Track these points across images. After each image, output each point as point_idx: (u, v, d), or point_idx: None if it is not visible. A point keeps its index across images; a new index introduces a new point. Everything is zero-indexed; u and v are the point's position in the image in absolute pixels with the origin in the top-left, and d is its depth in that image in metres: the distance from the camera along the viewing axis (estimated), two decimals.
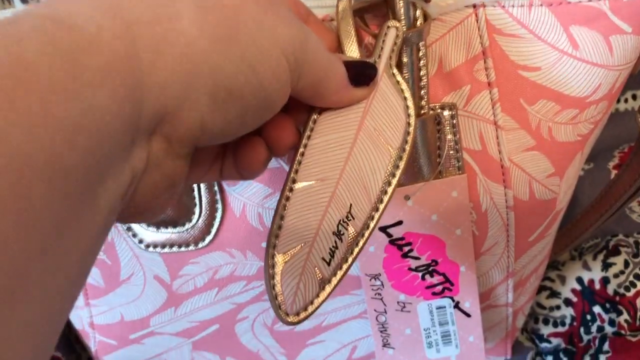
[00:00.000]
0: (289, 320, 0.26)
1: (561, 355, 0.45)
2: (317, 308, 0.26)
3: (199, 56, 0.19)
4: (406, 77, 0.30)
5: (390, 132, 0.27)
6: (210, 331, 0.37)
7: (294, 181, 0.27)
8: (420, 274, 0.34)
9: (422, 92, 0.31)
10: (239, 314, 0.36)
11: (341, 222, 0.27)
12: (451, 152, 0.32)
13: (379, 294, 0.35)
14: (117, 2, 0.18)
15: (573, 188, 0.36)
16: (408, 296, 0.35)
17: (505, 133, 0.32)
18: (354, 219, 0.27)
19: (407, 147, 0.27)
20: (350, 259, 0.27)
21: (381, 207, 0.27)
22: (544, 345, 0.46)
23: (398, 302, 0.35)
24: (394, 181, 0.27)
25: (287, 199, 0.27)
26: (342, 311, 0.36)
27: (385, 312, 0.35)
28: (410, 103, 0.28)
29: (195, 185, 0.32)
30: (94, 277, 0.34)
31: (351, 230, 0.27)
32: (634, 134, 0.51)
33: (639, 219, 0.48)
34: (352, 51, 0.28)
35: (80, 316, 0.37)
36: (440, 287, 0.35)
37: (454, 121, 0.32)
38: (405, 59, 0.30)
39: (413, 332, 0.36)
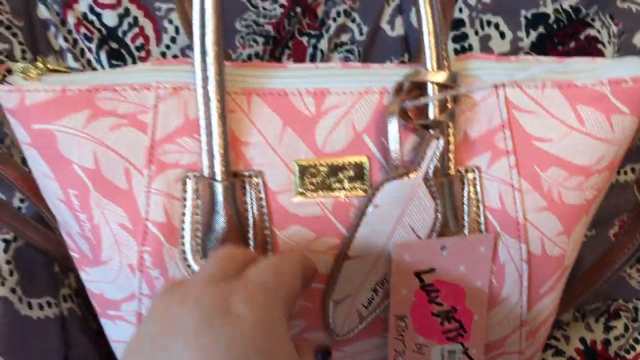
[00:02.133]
0: (337, 338, 0.38)
1: None
2: (355, 333, 0.38)
3: None
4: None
5: (419, 227, 0.36)
6: None
7: (346, 255, 0.36)
8: (439, 319, 0.38)
9: (451, 155, 0.36)
10: None
11: (377, 283, 0.37)
12: (474, 209, 0.37)
13: (402, 335, 0.38)
14: None
15: (579, 247, 0.41)
16: (426, 339, 0.38)
17: (521, 194, 0.37)
18: (387, 282, 0.37)
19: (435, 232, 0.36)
20: (382, 306, 0.38)
21: None
22: None
23: (416, 344, 0.39)
24: None
25: (340, 267, 0.36)
26: (372, 352, 0.40)
27: (404, 352, 0.39)
28: (439, 205, 0.36)
29: (250, 226, 0.36)
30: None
31: (384, 289, 0.37)
32: (633, 204, 0.55)
33: (637, 285, 0.52)
34: None
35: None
36: (454, 333, 0.39)
37: (477, 182, 0.37)
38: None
39: None
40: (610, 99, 0.36)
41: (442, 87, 0.35)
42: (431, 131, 0.35)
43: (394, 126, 0.35)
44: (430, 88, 0.35)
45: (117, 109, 0.35)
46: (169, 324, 0.25)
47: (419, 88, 0.36)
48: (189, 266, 0.36)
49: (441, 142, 0.34)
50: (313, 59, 0.59)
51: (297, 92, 0.36)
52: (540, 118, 0.36)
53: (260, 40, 0.58)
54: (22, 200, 0.46)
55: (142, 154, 0.35)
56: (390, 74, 0.37)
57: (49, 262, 0.46)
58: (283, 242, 0.37)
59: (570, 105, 0.36)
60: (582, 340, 0.49)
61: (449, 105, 0.35)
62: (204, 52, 0.34)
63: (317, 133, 0.36)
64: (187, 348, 0.24)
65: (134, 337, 0.26)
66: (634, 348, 0.48)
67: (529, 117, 0.36)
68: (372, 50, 0.60)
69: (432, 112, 0.35)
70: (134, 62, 0.55)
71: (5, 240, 0.44)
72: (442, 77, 0.35)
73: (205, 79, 0.34)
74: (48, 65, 0.35)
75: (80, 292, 0.46)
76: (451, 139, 0.36)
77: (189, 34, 0.36)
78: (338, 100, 0.36)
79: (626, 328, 0.49)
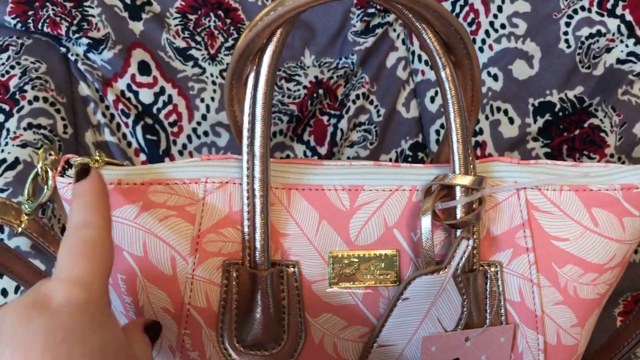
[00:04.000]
0: None
1: None
2: None
3: None
4: None
5: (446, 320, 0.38)
6: None
7: (375, 341, 0.39)
8: None
9: (475, 251, 0.39)
10: None
11: None
12: (496, 301, 0.39)
13: None
14: None
15: (590, 334, 0.43)
16: None
17: (540, 289, 0.39)
18: None
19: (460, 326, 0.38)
20: None
21: None
22: None
23: None
24: None
25: (369, 351, 0.39)
26: None
27: None
28: (466, 300, 0.38)
29: (285, 314, 0.38)
30: None
31: None
32: (636, 284, 0.58)
33: None
34: None
35: None
36: None
37: (499, 276, 0.39)
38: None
39: None
40: (623, 203, 0.39)
41: (468, 189, 0.38)
42: (458, 230, 0.38)
43: (427, 224, 0.38)
44: (457, 191, 0.38)
45: (167, 201, 0.38)
46: None
47: (447, 188, 0.39)
48: (226, 349, 0.38)
49: (470, 242, 0.37)
50: (333, 137, 0.63)
51: (333, 188, 0.39)
52: (558, 219, 0.39)
53: (285, 118, 0.62)
54: None
55: (188, 243, 0.38)
56: (419, 173, 0.40)
57: None
58: (315, 329, 0.39)
59: (586, 207, 0.39)
60: None
61: (475, 207, 0.38)
62: (252, 154, 0.37)
63: (350, 227, 0.39)
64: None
65: None
66: None
67: (548, 218, 0.39)
68: (388, 130, 0.64)
69: (460, 213, 0.38)
70: (167, 137, 0.59)
71: None
72: (468, 180, 0.38)
73: (251, 176, 0.37)
74: (105, 159, 0.38)
75: None
76: (476, 237, 0.38)
77: (238, 136, 0.39)
78: (371, 196, 0.39)
79: None
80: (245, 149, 0.37)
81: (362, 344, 0.39)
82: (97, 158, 0.38)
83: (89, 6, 0.59)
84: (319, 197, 0.39)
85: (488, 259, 0.40)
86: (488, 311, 0.39)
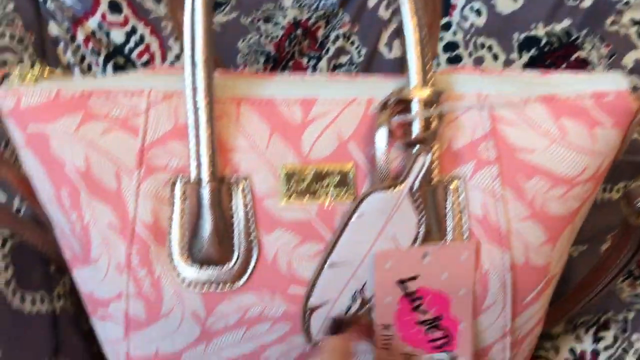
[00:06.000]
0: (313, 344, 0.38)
1: None
2: None
3: None
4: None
5: (402, 238, 0.36)
6: None
7: (326, 260, 0.37)
8: (425, 328, 0.38)
9: (434, 166, 0.37)
10: (262, 354, 0.40)
11: (356, 291, 0.37)
12: (457, 217, 0.37)
13: (389, 343, 0.38)
14: None
15: (566, 256, 0.41)
16: (413, 348, 0.39)
17: (504, 204, 0.37)
18: (365, 291, 0.37)
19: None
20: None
21: None
22: None
23: (403, 354, 0.39)
24: None
25: (321, 271, 0.37)
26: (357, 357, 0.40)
27: None
28: (423, 217, 0.36)
29: (235, 230, 0.37)
30: (137, 311, 0.38)
31: (363, 297, 0.37)
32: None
33: (627, 299, 0.52)
34: None
35: (117, 351, 0.40)
36: (440, 342, 0.39)
37: (461, 190, 0.37)
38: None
39: None
40: (593, 112, 0.37)
41: (426, 103, 0.36)
42: (417, 145, 0.36)
43: (381, 138, 0.36)
44: (414, 105, 0.36)
45: (110, 113, 0.36)
46: None
47: (405, 102, 0.36)
48: (175, 267, 0.37)
49: (428, 158, 0.35)
50: None
51: (284, 100, 0.37)
52: (523, 130, 0.37)
53: (262, 59, 0.60)
54: (22, 200, 0.48)
55: (132, 157, 0.36)
56: (376, 85, 0.38)
57: (45, 261, 0.47)
58: (268, 245, 0.37)
59: (553, 117, 0.37)
60: (572, 350, 0.49)
61: (433, 121, 0.36)
62: (193, 63, 0.35)
63: (303, 140, 0.37)
64: None
65: None
66: (622, 358, 0.48)
67: (512, 129, 0.37)
68: (369, 71, 0.62)
69: (417, 128, 0.36)
70: None
71: (2, 236, 0.45)
72: (426, 93, 0.35)
73: (194, 87, 0.35)
74: (45, 70, 0.37)
75: (74, 293, 0.46)
76: (435, 151, 0.36)
77: (182, 44, 0.37)
78: (325, 108, 0.37)
79: (615, 338, 0.49)
80: (187, 59, 0.35)
81: (316, 262, 0.37)
82: (37, 69, 0.37)
83: None
84: (269, 110, 0.37)
85: (450, 172, 0.37)
86: (449, 227, 0.37)
